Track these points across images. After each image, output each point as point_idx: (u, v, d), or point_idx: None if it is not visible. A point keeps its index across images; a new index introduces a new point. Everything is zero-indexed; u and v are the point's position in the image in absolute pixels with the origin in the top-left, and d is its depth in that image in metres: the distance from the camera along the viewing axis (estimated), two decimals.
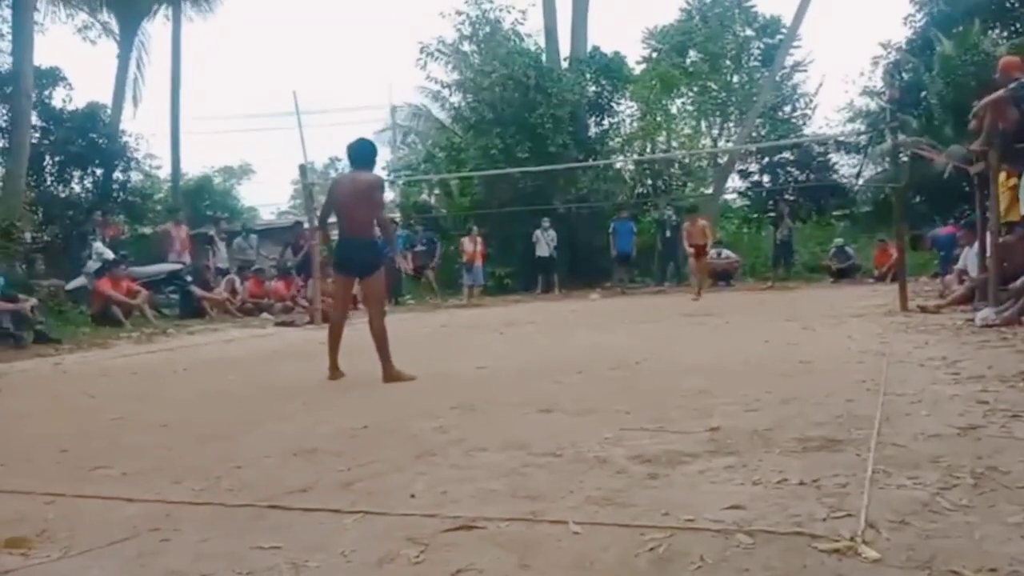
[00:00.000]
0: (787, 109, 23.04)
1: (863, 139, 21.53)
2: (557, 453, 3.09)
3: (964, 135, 9.87)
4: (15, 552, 2.23)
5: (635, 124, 20.64)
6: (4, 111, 15.45)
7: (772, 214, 15.28)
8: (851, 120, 23.31)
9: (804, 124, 23.11)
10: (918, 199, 17.76)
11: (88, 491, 2.86)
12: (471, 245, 16.50)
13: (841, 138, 22.48)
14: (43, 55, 19.54)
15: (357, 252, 5.55)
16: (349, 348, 5.67)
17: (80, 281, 12.47)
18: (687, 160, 21.22)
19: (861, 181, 22.52)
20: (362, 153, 5.66)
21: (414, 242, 17.39)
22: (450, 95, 20.96)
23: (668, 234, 17.60)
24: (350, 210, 5.50)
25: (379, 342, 5.38)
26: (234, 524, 2.42)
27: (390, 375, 5.35)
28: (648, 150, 20.94)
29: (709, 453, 2.99)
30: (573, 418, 3.82)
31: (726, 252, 17.40)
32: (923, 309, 8.58)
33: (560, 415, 3.91)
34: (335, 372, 5.63)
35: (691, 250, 13.87)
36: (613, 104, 20.11)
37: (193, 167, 28.08)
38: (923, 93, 19.14)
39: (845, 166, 23.39)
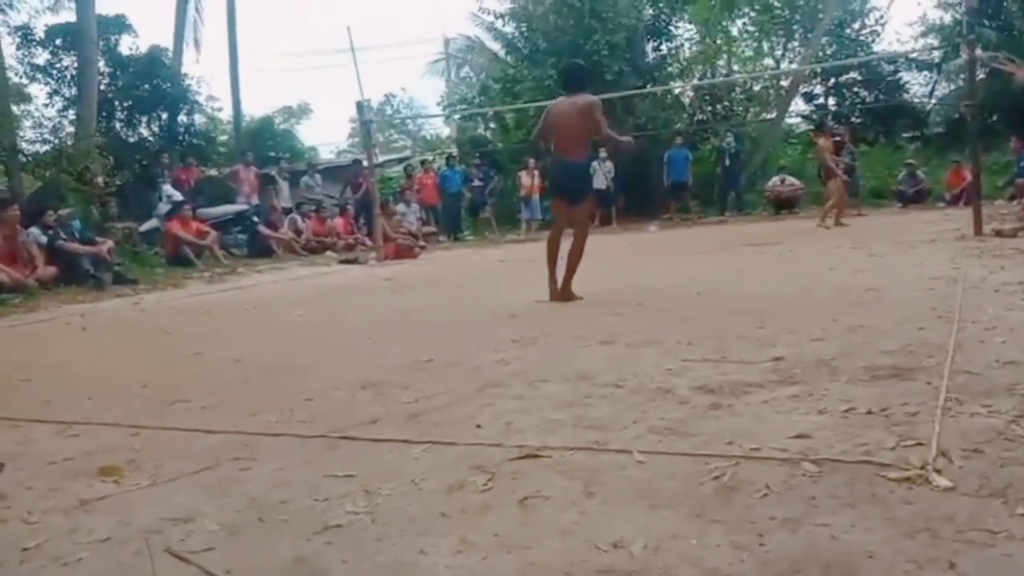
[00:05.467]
0: (855, 26, 21.87)
1: (936, 55, 20.39)
2: (619, 384, 3.11)
3: None
4: (108, 480, 2.37)
5: (694, 48, 19.94)
6: (72, 59, 15.79)
7: (838, 139, 14.65)
8: (923, 35, 22.06)
9: (873, 41, 21.94)
10: (995, 118, 16.84)
11: (170, 423, 3.00)
12: (528, 179, 16.36)
13: (913, 55, 21.31)
14: (106, 4, 19.78)
15: (568, 175, 5.71)
16: (415, 280, 5.74)
17: (152, 223, 12.86)
18: (748, 84, 20.47)
19: (933, 101, 21.44)
20: (574, 76, 5.80)
21: (471, 177, 17.36)
22: (503, 25, 20.54)
23: (728, 163, 17.14)
24: (565, 132, 5.62)
25: (571, 262, 5.62)
26: (308, 454, 2.52)
27: (565, 293, 5.59)
28: (708, 75, 20.25)
29: (773, 383, 2.97)
30: (634, 349, 3.82)
31: (790, 179, 16.89)
32: (999, 233, 8.24)
33: (621, 346, 3.92)
34: (554, 289, 5.73)
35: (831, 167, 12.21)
36: (671, 27, 19.42)
37: (254, 108, 28.39)
38: (1003, 2, 17.95)
39: (916, 85, 22.28)
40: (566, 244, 5.81)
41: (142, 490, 2.28)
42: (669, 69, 19.57)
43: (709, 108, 20.14)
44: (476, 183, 17.19)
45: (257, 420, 2.97)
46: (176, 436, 2.84)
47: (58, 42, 16.18)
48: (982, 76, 11.84)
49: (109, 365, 4.52)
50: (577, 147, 5.58)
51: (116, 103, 16.87)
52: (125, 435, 2.88)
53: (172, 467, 2.45)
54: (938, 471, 1.96)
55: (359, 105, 12.83)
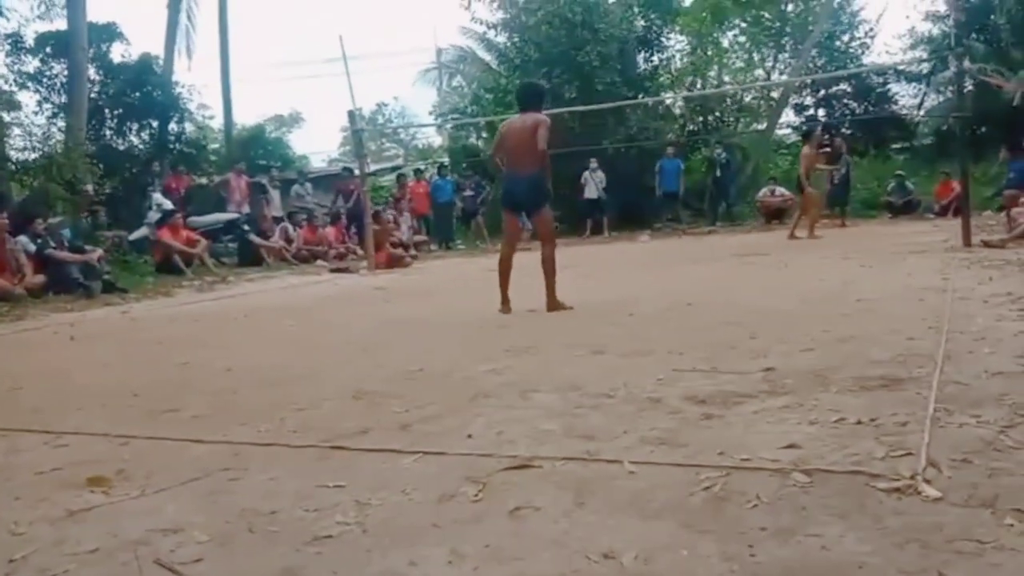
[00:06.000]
0: (845, 38, 22.07)
1: (925, 67, 20.58)
2: (610, 394, 3.12)
3: None
4: (97, 490, 2.35)
5: (685, 59, 20.07)
6: (62, 67, 15.74)
7: (827, 150, 14.73)
8: (912, 47, 22.26)
9: (863, 54, 22.15)
10: (983, 130, 16.99)
11: (160, 433, 2.99)
12: None
13: (902, 67, 21.51)
14: (98, 11, 19.75)
15: (521, 187, 5.84)
16: (406, 290, 5.74)
17: (142, 231, 12.81)
18: (739, 95, 20.59)
19: (922, 112, 21.61)
20: (529, 95, 6.04)
21: (462, 187, 17.37)
22: (496, 35, 20.61)
23: (719, 173, 17.22)
24: (516, 148, 5.79)
25: (547, 275, 5.71)
26: (299, 464, 2.51)
27: (553, 305, 5.69)
28: (699, 86, 20.37)
29: (764, 393, 2.98)
30: (626, 359, 3.83)
31: (780, 190, 16.98)
32: (987, 244, 8.31)
33: (613, 356, 3.93)
34: (505, 306, 5.85)
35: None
36: (662, 39, 19.53)
37: (245, 117, 28.42)
38: (991, 16, 18.13)
39: (906, 96, 22.48)
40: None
41: (131, 500, 2.27)
42: (661, 80, 19.66)
43: (700, 119, 20.24)
44: (468, 193, 17.20)
45: (247, 430, 2.95)
46: (166, 446, 2.82)
47: (48, 49, 16.12)
48: (970, 88, 11.94)
49: (98, 374, 4.49)
50: (528, 161, 5.71)
51: (106, 111, 16.81)
52: (114, 445, 2.87)
53: (161, 477, 2.44)
54: (927, 481, 1.97)
55: (351, 114, 12.85)
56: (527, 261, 6.14)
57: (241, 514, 2.10)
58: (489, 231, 17.07)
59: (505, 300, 5.88)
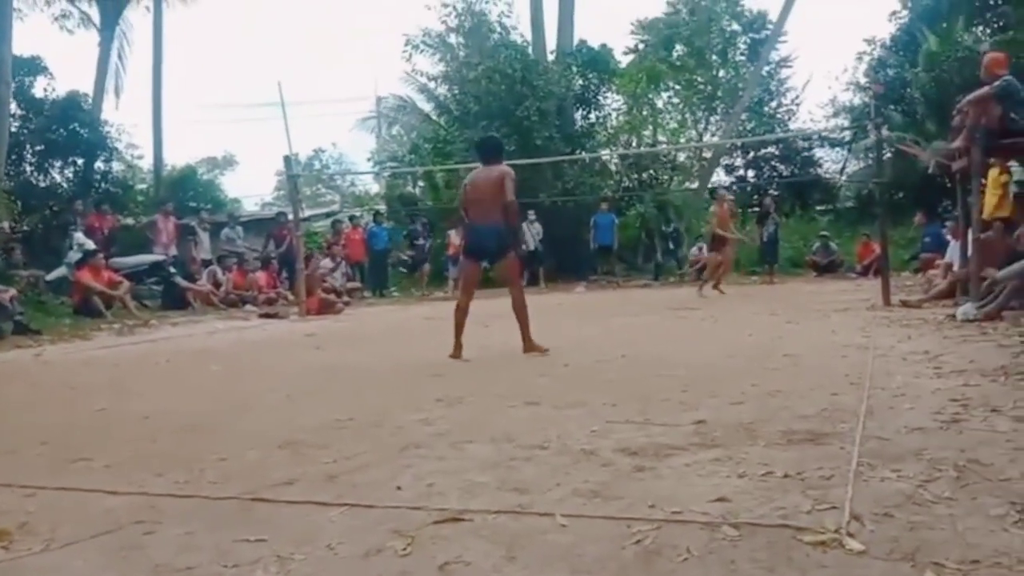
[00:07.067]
0: (772, 104, 23.14)
1: (847, 134, 21.63)
2: (543, 446, 3.09)
3: (947, 131, 9.94)
4: None
5: (621, 118, 20.64)
6: None
7: (757, 209, 15.26)
8: (835, 115, 23.45)
9: (789, 119, 23.25)
10: (901, 195, 17.87)
11: (70, 483, 2.83)
12: (457, 238, 16.44)
13: (825, 133, 22.60)
14: (23, 45, 19.27)
15: (485, 238, 5.92)
16: (338, 336, 5.64)
17: (61, 272, 12.33)
18: (672, 154, 21.25)
19: (844, 177, 22.65)
20: (489, 148, 6.18)
21: (416, 235, 17.36)
22: (436, 87, 20.89)
23: (670, 245, 17.75)
24: (482, 199, 5.89)
25: (520, 318, 5.77)
26: (218, 517, 2.41)
27: (529, 347, 5.75)
28: (634, 144, 20.94)
29: (695, 446, 3.00)
30: (559, 411, 3.82)
31: None
32: (906, 304, 8.65)
33: (546, 407, 3.91)
34: (457, 351, 5.87)
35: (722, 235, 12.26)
36: (599, 97, 20.08)
37: (176, 158, 27.85)
38: (907, 89, 19.24)
39: (829, 161, 23.59)
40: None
41: (34, 556, 2.13)
42: (597, 137, 20.15)
43: (635, 176, 20.76)
44: (420, 241, 17.20)
45: (164, 481, 2.82)
46: (75, 497, 2.67)
47: None
48: (889, 156, 12.57)
49: (4, 420, 4.25)
50: (492, 212, 5.84)
51: (27, 146, 16.30)
52: (18, 496, 2.70)
53: (69, 531, 2.30)
54: (851, 535, 2.00)
55: (286, 159, 12.75)
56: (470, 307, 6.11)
57: (154, 570, 1.99)
58: (429, 279, 17.04)
59: (458, 346, 5.89)
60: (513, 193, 5.77)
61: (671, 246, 17.91)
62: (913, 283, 11.76)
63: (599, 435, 3.23)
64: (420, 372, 5.36)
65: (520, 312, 5.91)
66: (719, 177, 23.03)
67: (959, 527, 2.05)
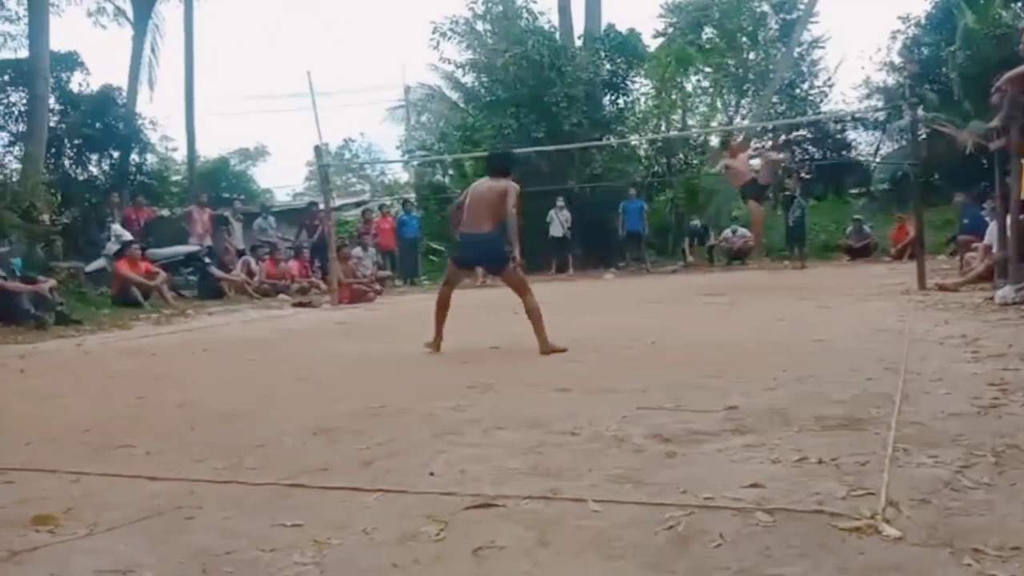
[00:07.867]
0: (804, 86, 22.74)
1: (881, 115, 21.24)
2: (575, 432, 3.10)
3: (985, 110, 9.73)
4: (42, 529, 2.27)
5: (650, 102, 20.46)
6: (23, 95, 15.54)
7: (786, 193, 15.06)
8: (868, 96, 22.99)
9: (821, 101, 22.82)
10: (936, 176, 17.53)
11: (112, 470, 2.89)
12: None
13: (859, 115, 22.20)
14: (60, 40, 19.56)
15: (481, 247, 5.85)
16: (370, 325, 5.69)
17: (100, 263, 12.58)
18: (702, 138, 21.02)
19: (878, 159, 22.25)
20: (499, 163, 6.15)
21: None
22: (463, 75, 20.84)
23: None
24: (478, 207, 5.82)
25: (534, 322, 5.65)
26: (256, 502, 2.45)
27: (546, 349, 5.60)
28: (663, 128, 20.76)
29: (727, 432, 2.99)
30: (590, 397, 3.83)
31: (741, 231, 17.27)
32: (942, 287, 8.50)
33: (577, 394, 3.92)
34: (437, 341, 5.85)
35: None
36: (628, 82, 19.89)
37: (209, 149, 28.05)
38: (942, 68, 18.82)
39: (863, 143, 23.16)
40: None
41: (79, 540, 2.18)
42: (626, 122, 20.00)
43: (664, 160, 20.59)
44: None
45: (204, 467, 2.88)
46: (117, 483, 2.74)
47: (6, 77, 15.94)
48: (924, 136, 12.32)
49: (48, 409, 4.35)
50: (485, 222, 5.75)
51: (65, 140, 16.58)
52: (63, 482, 2.77)
53: (112, 516, 2.36)
54: (887, 521, 1.98)
55: (317, 149, 12.85)
56: (485, 298, 6.13)
57: (195, 554, 2.03)
58: None
59: (438, 335, 5.85)
60: (515, 207, 5.68)
61: (696, 242, 17.74)
62: (949, 266, 11.55)
63: (630, 421, 3.23)
64: (451, 359, 5.40)
65: (535, 319, 5.73)
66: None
67: (998, 512, 2.02)
